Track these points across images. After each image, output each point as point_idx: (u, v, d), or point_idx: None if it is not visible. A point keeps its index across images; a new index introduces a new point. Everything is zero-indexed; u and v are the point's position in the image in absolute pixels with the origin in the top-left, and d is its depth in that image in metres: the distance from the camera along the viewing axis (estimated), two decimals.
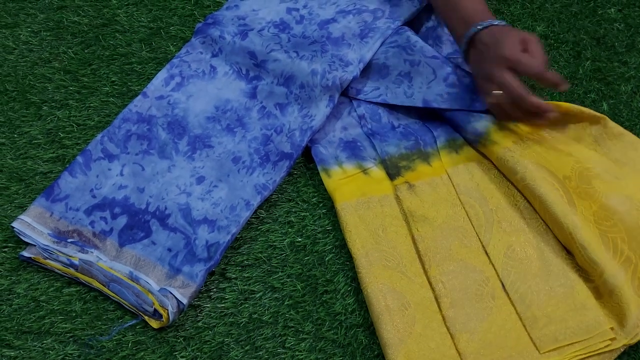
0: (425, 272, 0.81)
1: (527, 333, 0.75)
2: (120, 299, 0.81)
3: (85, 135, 0.98)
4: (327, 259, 0.86)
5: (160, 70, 1.03)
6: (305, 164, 0.96)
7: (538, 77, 0.84)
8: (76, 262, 0.82)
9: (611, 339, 0.73)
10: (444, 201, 0.87)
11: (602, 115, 0.88)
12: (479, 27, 0.88)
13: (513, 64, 0.84)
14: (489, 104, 0.89)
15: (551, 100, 0.91)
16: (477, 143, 0.90)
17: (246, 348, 0.79)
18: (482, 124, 0.90)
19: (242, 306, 0.82)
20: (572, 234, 0.78)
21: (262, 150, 0.93)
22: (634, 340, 0.74)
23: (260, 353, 0.78)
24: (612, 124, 0.88)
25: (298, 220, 0.90)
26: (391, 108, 0.98)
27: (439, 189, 0.88)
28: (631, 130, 0.90)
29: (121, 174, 0.91)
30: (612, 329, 0.74)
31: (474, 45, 0.89)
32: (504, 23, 0.88)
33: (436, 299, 0.79)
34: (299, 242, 0.88)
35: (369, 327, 0.79)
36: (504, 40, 0.85)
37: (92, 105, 1.02)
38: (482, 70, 0.88)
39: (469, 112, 0.92)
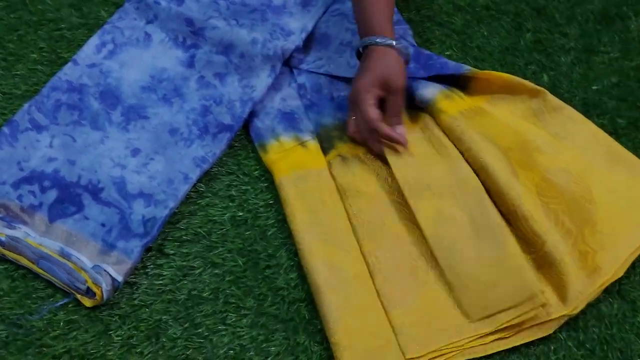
0: (360, 246, 0.80)
1: (458, 301, 0.75)
2: (51, 277, 0.77)
3: (12, 105, 0.93)
4: (269, 233, 0.84)
5: (91, 36, 0.97)
6: (246, 136, 0.93)
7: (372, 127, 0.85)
8: (3, 238, 0.78)
9: (542, 305, 0.73)
10: (377, 174, 0.86)
11: (542, 89, 0.88)
12: (377, 40, 0.85)
13: (358, 101, 0.84)
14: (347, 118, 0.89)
15: (492, 71, 0.91)
16: (425, 110, 0.90)
17: (185, 325, 0.77)
18: (429, 91, 0.89)
19: (181, 282, 0.80)
20: (515, 205, 0.78)
21: (201, 121, 0.90)
22: (575, 312, 0.74)
23: (200, 330, 0.76)
24: (551, 97, 0.89)
25: (239, 194, 0.88)
26: (333, 78, 0.96)
27: (372, 162, 0.87)
28: (570, 102, 0.91)
29: (50, 146, 0.86)
30: (543, 292, 0.74)
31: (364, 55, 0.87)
32: (393, 44, 0.85)
33: (370, 273, 0.78)
34: (240, 216, 0.85)
35: (312, 302, 0.78)
36: (370, 71, 0.84)
37: (18, 73, 0.97)
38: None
39: (415, 79, 0.90)
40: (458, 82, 0.91)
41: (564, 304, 0.75)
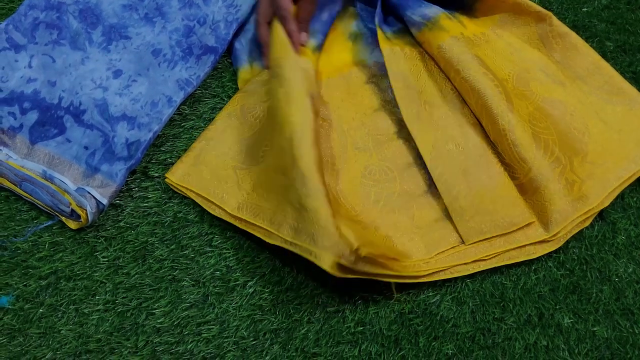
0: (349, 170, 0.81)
1: (454, 226, 0.76)
2: (34, 199, 0.77)
3: None
4: None
5: None
6: (229, 58, 0.91)
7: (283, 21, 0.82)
8: None
9: (528, 224, 0.75)
10: (346, 92, 0.86)
11: (548, 12, 0.87)
12: None
13: None
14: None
15: None
16: (422, 26, 0.86)
17: (171, 247, 0.77)
18: (432, 10, 0.87)
19: (166, 205, 0.80)
20: (506, 130, 0.77)
21: (185, 42, 0.88)
22: (556, 238, 0.75)
23: (187, 252, 0.77)
24: (557, 22, 0.87)
25: None
26: None
27: (340, 81, 0.87)
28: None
29: (29, 66, 0.84)
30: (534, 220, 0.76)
31: None
32: None
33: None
34: None
35: None
36: None
37: None
38: None
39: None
40: (464, 2, 0.89)
41: (545, 229, 0.76)
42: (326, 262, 0.67)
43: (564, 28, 0.87)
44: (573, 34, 0.87)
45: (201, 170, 0.80)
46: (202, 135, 0.83)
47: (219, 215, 0.78)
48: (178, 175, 0.80)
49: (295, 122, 0.73)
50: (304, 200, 0.70)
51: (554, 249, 0.76)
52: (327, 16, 0.88)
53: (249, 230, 0.76)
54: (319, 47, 0.86)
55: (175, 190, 0.80)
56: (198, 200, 0.79)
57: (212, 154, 0.81)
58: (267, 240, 0.74)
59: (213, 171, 0.80)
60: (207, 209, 0.78)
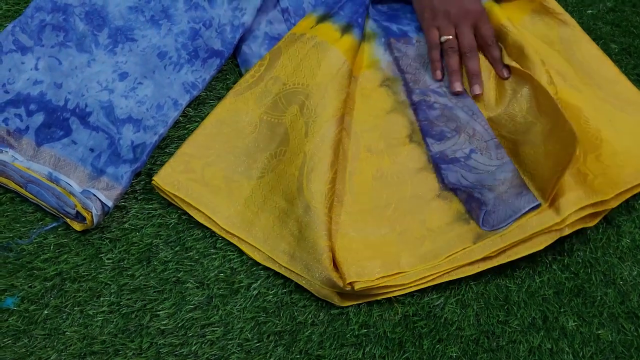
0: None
1: (466, 229, 0.76)
2: (40, 201, 0.77)
3: None
4: None
5: None
6: (235, 60, 0.92)
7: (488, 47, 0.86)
8: None
9: (540, 209, 0.75)
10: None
11: (572, 19, 0.88)
12: None
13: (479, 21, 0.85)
14: (431, 43, 0.87)
15: None
16: None
17: (176, 249, 0.77)
18: None
19: (171, 207, 0.80)
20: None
21: (191, 45, 0.88)
22: (564, 225, 0.74)
23: (191, 254, 0.77)
24: (579, 28, 0.88)
25: None
26: (316, 2, 0.93)
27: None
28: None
29: (36, 68, 0.85)
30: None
31: None
32: None
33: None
34: None
35: None
36: None
37: None
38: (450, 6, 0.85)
39: None
40: None
41: (556, 212, 0.75)
42: (320, 293, 0.73)
43: (584, 34, 0.87)
44: (592, 42, 0.87)
45: (191, 178, 0.79)
46: (191, 139, 0.81)
47: (208, 226, 0.78)
48: (167, 181, 0.78)
49: (310, 152, 0.76)
50: (304, 230, 0.74)
51: (557, 237, 0.75)
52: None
53: (234, 242, 0.77)
54: (347, 30, 0.86)
55: (160, 194, 0.80)
56: (185, 207, 0.78)
57: (202, 161, 0.80)
58: (254, 257, 0.76)
59: (203, 180, 0.79)
60: (195, 217, 0.78)
